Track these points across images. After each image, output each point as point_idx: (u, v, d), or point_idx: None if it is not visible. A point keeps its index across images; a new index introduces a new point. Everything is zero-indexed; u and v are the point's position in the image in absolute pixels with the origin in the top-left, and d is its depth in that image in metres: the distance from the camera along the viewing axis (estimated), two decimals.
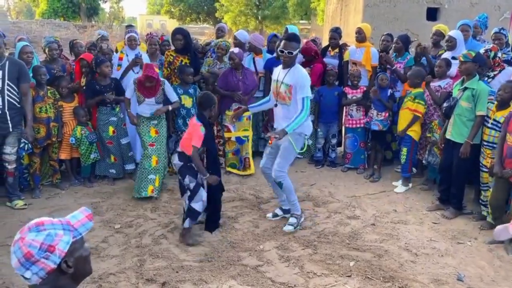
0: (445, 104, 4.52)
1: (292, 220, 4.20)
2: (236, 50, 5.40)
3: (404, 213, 4.61)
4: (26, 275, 1.33)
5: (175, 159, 3.93)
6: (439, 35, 5.62)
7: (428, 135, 5.08)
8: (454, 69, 4.89)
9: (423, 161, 5.20)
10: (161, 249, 3.79)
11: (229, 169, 5.65)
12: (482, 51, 4.58)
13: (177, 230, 4.11)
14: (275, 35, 6.44)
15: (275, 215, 4.44)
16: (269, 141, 4.11)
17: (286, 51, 3.90)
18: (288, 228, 4.15)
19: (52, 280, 1.36)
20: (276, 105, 4.16)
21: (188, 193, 3.85)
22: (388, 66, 5.68)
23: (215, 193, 4.08)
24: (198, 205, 3.86)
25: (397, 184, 5.30)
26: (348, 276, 3.37)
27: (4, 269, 3.41)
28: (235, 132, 5.52)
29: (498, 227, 2.79)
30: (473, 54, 4.23)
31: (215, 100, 4.03)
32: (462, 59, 4.26)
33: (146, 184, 4.79)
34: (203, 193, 3.87)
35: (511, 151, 3.82)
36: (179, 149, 3.95)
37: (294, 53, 3.92)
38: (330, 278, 3.34)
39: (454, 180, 4.46)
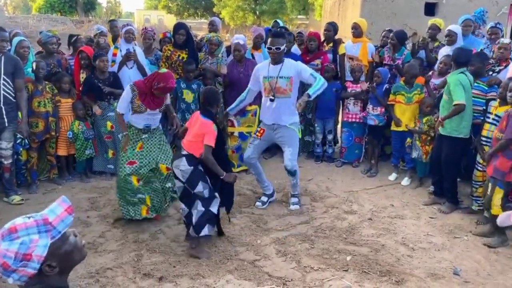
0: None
1: (295, 199, 4.56)
2: (242, 41, 5.19)
3: (401, 207, 4.63)
4: (9, 281, 1.30)
5: (183, 165, 3.48)
6: (435, 28, 5.64)
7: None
8: None
9: (412, 157, 5.20)
10: (158, 244, 3.79)
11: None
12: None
13: (174, 225, 4.12)
14: (269, 30, 6.41)
15: (264, 203, 4.60)
16: (258, 133, 4.32)
17: (274, 47, 4.10)
18: (295, 207, 4.51)
19: (38, 280, 1.33)
20: (272, 100, 4.22)
21: (199, 202, 3.50)
22: (385, 62, 5.68)
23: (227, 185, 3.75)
24: (215, 208, 3.58)
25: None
26: (345, 271, 3.38)
27: None
28: (239, 127, 5.33)
29: (502, 214, 2.84)
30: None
31: (220, 95, 3.90)
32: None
33: (136, 206, 4.04)
34: (217, 196, 3.61)
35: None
36: (184, 152, 3.55)
37: (282, 48, 4.13)
38: (327, 273, 3.35)
39: (445, 174, 4.50)
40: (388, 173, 5.56)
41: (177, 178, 3.56)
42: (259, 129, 4.51)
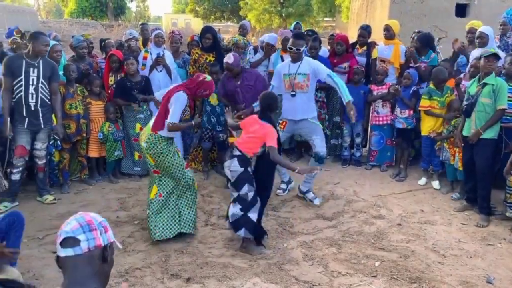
0: (465, 102, 4.45)
1: (312, 195, 4.78)
2: (230, 59, 4.79)
3: (431, 213, 4.52)
4: (80, 237, 1.41)
5: (234, 165, 3.51)
6: (474, 32, 5.43)
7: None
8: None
9: (440, 158, 5.08)
10: (186, 245, 3.82)
11: None
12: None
13: (202, 227, 4.15)
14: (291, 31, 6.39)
15: (284, 190, 4.98)
16: (280, 126, 4.55)
17: (294, 48, 4.44)
18: (319, 200, 4.74)
19: (92, 259, 1.43)
20: (293, 95, 4.53)
21: (239, 205, 3.54)
22: (411, 64, 5.58)
23: (265, 192, 3.78)
24: (254, 216, 3.58)
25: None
26: (374, 276, 3.32)
27: (34, 261, 3.51)
28: (238, 137, 5.21)
29: None
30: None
31: (279, 100, 3.89)
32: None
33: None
34: (259, 203, 3.63)
35: None
36: (237, 153, 3.56)
37: (301, 49, 4.47)
38: (355, 278, 3.31)
39: (478, 180, 4.35)
40: (417, 177, 5.45)
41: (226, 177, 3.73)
42: (281, 121, 4.68)
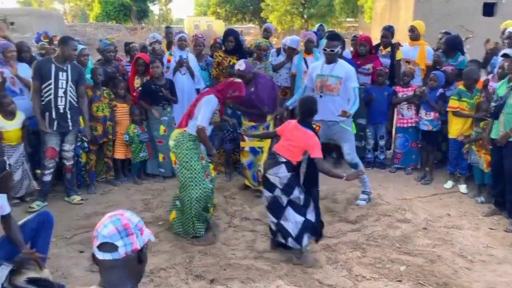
0: (492, 104, 4.35)
1: (364, 196, 4.76)
2: (242, 66, 4.70)
3: (458, 217, 4.43)
4: (117, 243, 1.44)
5: (282, 172, 3.44)
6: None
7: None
8: None
9: (468, 161, 4.97)
10: (209, 246, 3.85)
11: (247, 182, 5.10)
12: None
13: (225, 229, 4.17)
14: (315, 33, 6.34)
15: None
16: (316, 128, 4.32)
17: (329, 49, 4.41)
18: (361, 202, 4.73)
19: (129, 262, 1.46)
20: (321, 96, 4.43)
21: (294, 213, 3.44)
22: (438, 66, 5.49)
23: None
24: (312, 216, 3.50)
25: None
26: (399, 281, 3.28)
27: (63, 260, 3.59)
28: (250, 141, 4.95)
29: None
30: None
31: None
32: None
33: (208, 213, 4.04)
34: (312, 203, 3.55)
35: None
36: (283, 159, 3.47)
37: (335, 50, 4.41)
38: (379, 282, 3.27)
39: (507, 184, 4.23)
40: (443, 180, 5.35)
41: (268, 186, 3.53)
42: (314, 125, 4.46)
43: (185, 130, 3.85)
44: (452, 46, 5.42)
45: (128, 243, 1.46)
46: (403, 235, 4.03)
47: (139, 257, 1.49)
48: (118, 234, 1.45)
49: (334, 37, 4.54)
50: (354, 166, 4.64)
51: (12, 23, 20.89)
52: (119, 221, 1.48)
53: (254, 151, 4.96)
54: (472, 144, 4.87)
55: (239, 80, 3.94)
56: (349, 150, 4.60)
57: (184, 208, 3.91)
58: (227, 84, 3.94)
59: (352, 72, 4.49)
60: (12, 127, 4.53)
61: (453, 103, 5.00)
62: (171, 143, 3.89)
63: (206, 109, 3.77)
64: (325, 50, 4.49)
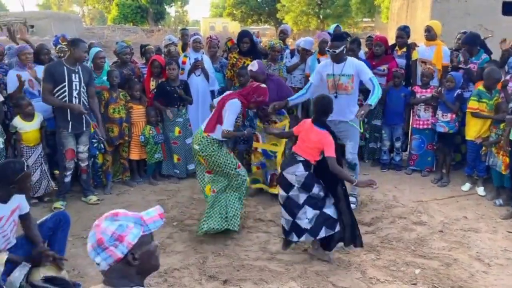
0: (511, 105, 4.24)
1: (353, 199, 4.53)
2: (255, 67, 4.69)
3: (475, 220, 4.35)
4: (96, 260, 1.45)
5: (299, 171, 3.46)
6: None
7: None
8: None
9: (486, 164, 4.88)
10: (223, 247, 3.87)
11: (252, 185, 4.91)
12: None
13: (238, 229, 4.18)
14: (330, 33, 6.30)
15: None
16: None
17: (331, 50, 4.41)
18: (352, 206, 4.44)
19: (119, 269, 1.46)
20: (336, 97, 4.34)
21: (309, 208, 3.45)
22: (459, 65, 5.39)
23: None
24: (331, 210, 3.49)
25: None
26: (413, 284, 3.24)
27: (79, 259, 3.65)
28: (264, 144, 4.87)
29: None
30: None
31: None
32: None
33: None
34: (331, 197, 3.54)
35: None
36: (301, 158, 3.50)
37: (337, 51, 4.35)
38: (394, 285, 3.24)
39: None
40: (460, 183, 5.26)
41: (284, 185, 3.54)
42: None
43: (209, 135, 3.89)
44: (471, 42, 5.31)
45: (106, 257, 1.44)
46: (418, 237, 3.98)
47: (128, 262, 1.45)
48: (94, 251, 1.44)
49: (337, 38, 4.51)
50: (352, 167, 4.54)
51: (32, 26, 21.40)
52: (93, 236, 1.45)
53: (267, 154, 4.89)
54: (491, 146, 4.77)
55: (264, 85, 3.97)
56: (352, 149, 4.53)
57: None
58: (252, 89, 3.97)
59: (361, 65, 4.43)
60: (30, 128, 4.63)
61: (472, 104, 4.91)
62: (196, 147, 3.94)
63: (231, 113, 3.86)
64: (328, 51, 4.49)
